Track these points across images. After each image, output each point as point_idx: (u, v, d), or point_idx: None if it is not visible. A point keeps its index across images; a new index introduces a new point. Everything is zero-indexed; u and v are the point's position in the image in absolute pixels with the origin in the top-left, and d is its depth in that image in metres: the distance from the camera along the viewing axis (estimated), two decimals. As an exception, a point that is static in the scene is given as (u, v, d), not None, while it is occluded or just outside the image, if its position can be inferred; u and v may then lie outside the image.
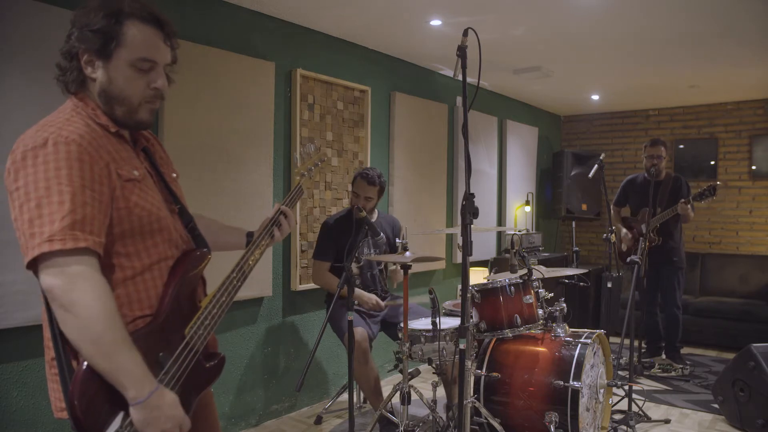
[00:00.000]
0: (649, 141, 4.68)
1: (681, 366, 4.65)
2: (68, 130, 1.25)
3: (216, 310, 1.44)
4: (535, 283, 3.04)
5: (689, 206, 4.39)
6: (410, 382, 2.93)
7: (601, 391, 3.03)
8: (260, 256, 1.61)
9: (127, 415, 1.21)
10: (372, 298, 3.42)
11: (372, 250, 3.59)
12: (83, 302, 1.17)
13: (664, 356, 4.87)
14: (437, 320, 2.87)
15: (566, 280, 3.91)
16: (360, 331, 3.17)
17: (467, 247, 1.92)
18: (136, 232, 1.33)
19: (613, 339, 4.01)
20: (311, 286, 3.85)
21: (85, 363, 1.18)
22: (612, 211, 4.93)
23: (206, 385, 1.45)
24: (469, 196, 1.94)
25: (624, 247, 4.87)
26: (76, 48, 1.33)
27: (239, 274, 1.52)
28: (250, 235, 1.74)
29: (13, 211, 1.23)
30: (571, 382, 2.73)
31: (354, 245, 2.94)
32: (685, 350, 5.11)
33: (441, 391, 3.32)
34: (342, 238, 3.43)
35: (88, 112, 1.34)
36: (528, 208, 6.45)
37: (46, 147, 1.21)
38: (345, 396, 3.16)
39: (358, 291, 3.39)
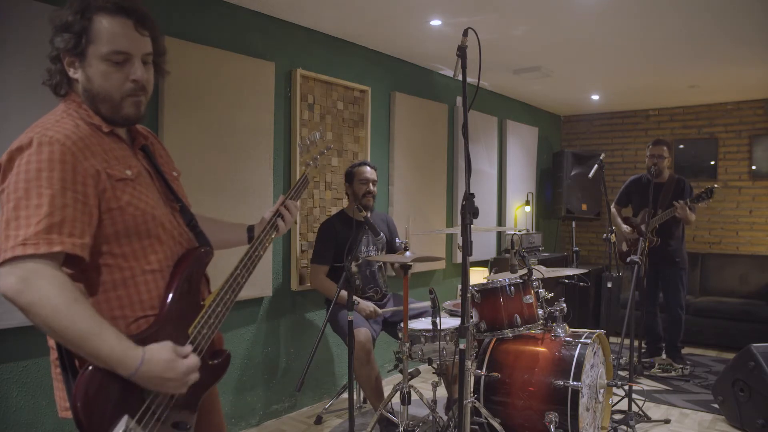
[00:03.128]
0: (653, 140, 4.68)
1: (681, 366, 4.65)
2: (54, 131, 1.24)
3: (220, 309, 1.42)
4: (535, 283, 3.04)
5: (688, 209, 4.39)
6: (410, 382, 2.93)
7: (601, 391, 3.03)
8: (264, 252, 1.60)
9: (131, 418, 1.21)
10: (369, 306, 3.41)
11: (370, 248, 3.60)
12: (37, 301, 1.15)
13: (664, 356, 4.88)
14: (437, 320, 2.87)
15: (566, 280, 3.91)
16: (364, 332, 3.17)
17: (467, 247, 1.92)
18: (131, 232, 1.32)
19: (613, 339, 4.01)
20: (311, 286, 3.85)
21: (89, 366, 1.18)
22: (613, 210, 4.94)
23: (212, 383, 1.44)
24: (469, 196, 1.94)
25: (624, 247, 4.87)
26: (56, 51, 1.32)
27: (243, 270, 1.50)
28: (250, 229, 1.73)
29: None
30: (571, 382, 2.73)
31: (353, 245, 2.94)
32: (685, 350, 5.10)
33: (441, 391, 3.32)
34: (341, 239, 3.44)
35: (80, 112, 1.33)
36: (528, 208, 6.45)
37: (30, 147, 1.21)
38: (345, 396, 3.17)
39: (355, 298, 3.39)
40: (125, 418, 1.20)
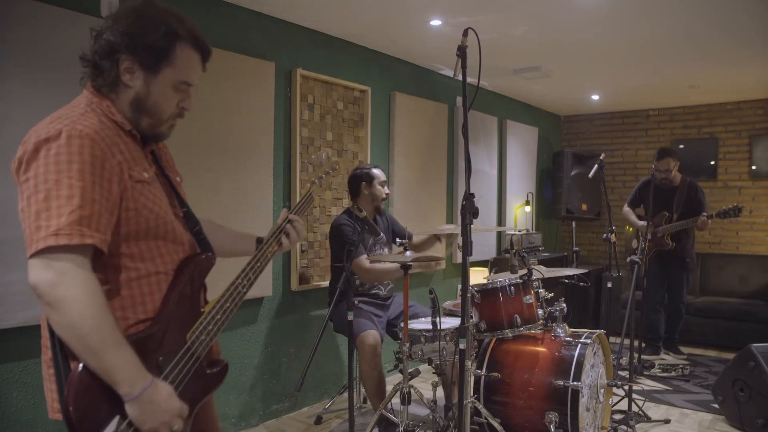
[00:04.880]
0: (657, 152, 4.71)
1: (679, 358, 4.70)
2: (83, 124, 1.24)
3: (220, 316, 1.42)
4: (535, 283, 3.04)
5: (708, 220, 4.47)
6: (410, 382, 2.93)
7: (601, 391, 3.03)
8: (266, 264, 1.59)
9: (122, 419, 1.20)
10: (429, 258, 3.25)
11: (384, 249, 3.60)
12: (70, 299, 1.15)
13: (663, 354, 4.91)
14: (437, 320, 2.87)
15: (566, 280, 3.91)
16: (373, 334, 3.17)
17: (467, 247, 1.92)
18: (141, 234, 1.32)
19: (613, 339, 4.01)
20: (311, 286, 3.86)
21: (80, 365, 1.17)
22: (626, 209, 5.07)
23: (208, 392, 1.43)
24: (469, 196, 1.94)
25: (635, 244, 4.94)
26: (120, 53, 1.31)
27: (245, 280, 1.50)
28: (259, 241, 1.72)
29: (20, 202, 1.21)
30: (571, 382, 2.73)
31: (355, 245, 2.95)
32: (685, 350, 5.15)
33: (441, 391, 3.32)
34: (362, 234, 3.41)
35: (103, 108, 1.33)
36: (528, 208, 6.45)
37: (59, 139, 1.20)
38: (345, 396, 3.17)
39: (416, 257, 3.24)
40: (116, 419, 1.19)
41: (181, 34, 1.34)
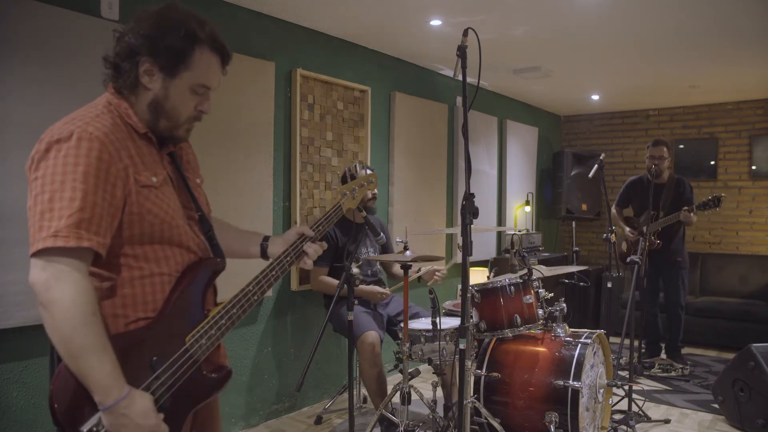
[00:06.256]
0: (652, 141, 4.67)
1: (681, 366, 4.65)
2: (94, 126, 1.25)
3: (224, 321, 1.40)
4: (535, 283, 3.04)
5: (692, 214, 4.41)
6: (410, 382, 2.93)
7: (601, 391, 3.03)
8: (282, 274, 1.57)
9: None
10: (374, 289, 3.46)
11: (369, 249, 3.62)
12: (60, 302, 1.16)
13: (664, 355, 4.88)
14: (437, 320, 2.87)
15: (566, 280, 3.91)
16: (373, 335, 3.19)
17: (467, 247, 1.92)
18: (145, 238, 1.32)
19: (613, 339, 4.01)
20: (311, 286, 3.85)
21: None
22: (614, 211, 4.94)
23: (205, 398, 1.40)
24: (469, 196, 1.94)
25: (624, 247, 4.87)
26: (140, 55, 1.32)
27: (256, 287, 1.47)
28: (265, 240, 1.69)
29: (29, 200, 1.23)
30: (571, 382, 2.73)
31: (354, 246, 2.96)
32: (685, 350, 5.10)
33: (441, 391, 3.33)
34: (339, 241, 3.47)
35: (121, 110, 1.34)
36: (528, 208, 6.45)
37: (69, 140, 1.22)
38: (345, 396, 3.17)
39: (360, 288, 3.42)
40: (99, 414, 1.20)
41: (200, 37, 1.35)
